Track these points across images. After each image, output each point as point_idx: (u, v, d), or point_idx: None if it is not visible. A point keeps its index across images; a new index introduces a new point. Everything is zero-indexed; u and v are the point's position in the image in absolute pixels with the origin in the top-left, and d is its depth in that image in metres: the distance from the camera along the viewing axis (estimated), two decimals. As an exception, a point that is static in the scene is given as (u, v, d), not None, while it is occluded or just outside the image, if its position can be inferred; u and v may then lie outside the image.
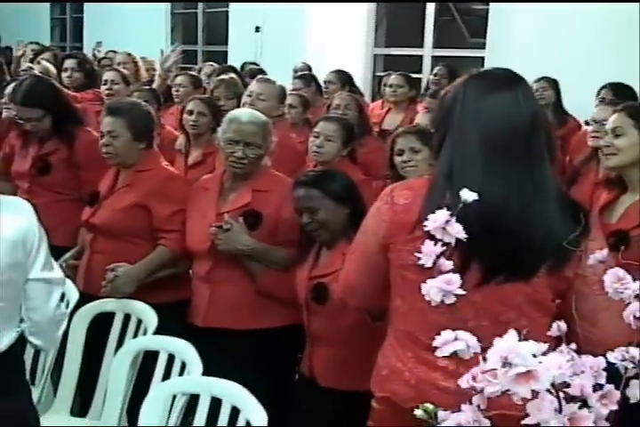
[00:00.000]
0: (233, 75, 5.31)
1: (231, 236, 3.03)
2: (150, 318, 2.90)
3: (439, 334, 1.85)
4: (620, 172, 2.93)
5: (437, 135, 2.00)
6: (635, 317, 1.31)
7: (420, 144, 3.46)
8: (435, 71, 6.31)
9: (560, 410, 0.87)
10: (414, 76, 6.56)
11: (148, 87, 5.18)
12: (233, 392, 2.28)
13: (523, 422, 0.93)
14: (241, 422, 2.20)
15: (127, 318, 3.05)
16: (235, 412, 2.26)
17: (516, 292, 1.85)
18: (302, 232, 2.96)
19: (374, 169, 4.14)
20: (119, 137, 3.28)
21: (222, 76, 5.18)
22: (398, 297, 1.98)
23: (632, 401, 1.12)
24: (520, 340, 0.98)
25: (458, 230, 1.32)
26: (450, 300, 1.29)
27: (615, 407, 1.09)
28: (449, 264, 1.31)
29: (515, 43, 6.34)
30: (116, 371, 2.68)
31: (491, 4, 6.67)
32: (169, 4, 10.73)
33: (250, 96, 4.41)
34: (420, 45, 7.50)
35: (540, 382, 0.85)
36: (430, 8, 7.40)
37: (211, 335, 3.02)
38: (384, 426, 2.02)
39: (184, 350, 2.60)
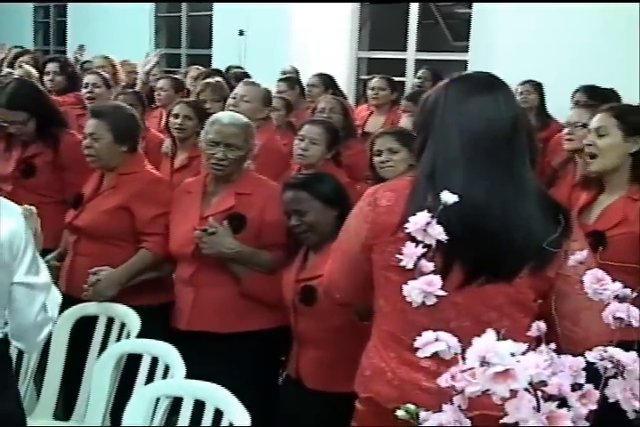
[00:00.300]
0: (219, 78, 5.31)
1: (216, 239, 3.03)
2: (133, 321, 2.89)
3: (421, 334, 1.87)
4: (601, 175, 2.95)
5: (419, 137, 2.01)
6: (614, 317, 1.31)
7: (398, 145, 3.49)
8: (418, 74, 6.34)
9: (538, 409, 0.88)
10: (398, 79, 6.58)
11: (132, 90, 5.17)
12: (216, 395, 2.28)
13: (502, 421, 0.93)
14: (224, 424, 2.20)
15: (110, 321, 3.05)
16: (218, 414, 2.26)
17: (498, 293, 1.86)
18: (290, 235, 2.96)
19: (358, 171, 4.16)
20: (100, 139, 3.29)
21: (208, 80, 5.19)
22: (382, 297, 1.99)
23: (611, 400, 1.13)
24: (499, 339, 0.99)
25: (438, 232, 1.32)
26: (431, 301, 1.30)
27: (594, 407, 1.10)
28: (430, 266, 1.32)
29: (498, 46, 6.36)
30: (100, 374, 2.67)
31: (474, 6, 6.68)
32: (153, 8, 10.71)
33: (234, 98, 4.43)
34: (404, 49, 7.51)
35: (517, 381, 0.86)
36: (413, 11, 7.42)
37: (194, 339, 3.02)
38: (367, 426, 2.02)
39: (167, 353, 2.60)
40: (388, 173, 3.55)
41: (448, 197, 1.34)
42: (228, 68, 7.74)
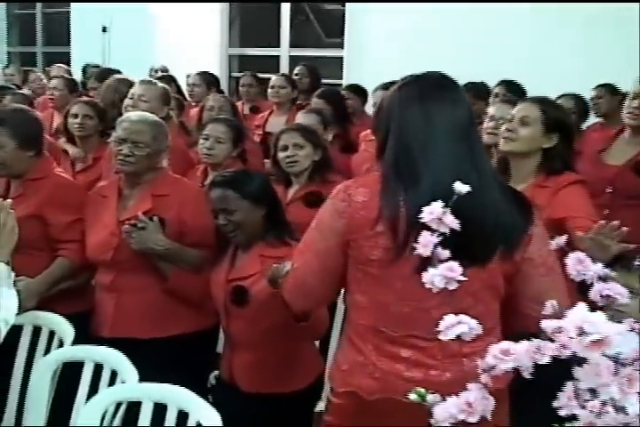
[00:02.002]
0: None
1: (145, 234, 2.99)
2: (66, 329, 2.76)
3: (402, 324, 1.94)
4: (511, 159, 3.01)
5: (378, 137, 2.07)
6: (601, 295, 1.40)
7: (303, 140, 3.61)
8: (295, 71, 6.37)
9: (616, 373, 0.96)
10: (272, 76, 6.59)
11: (19, 91, 5.02)
12: (178, 396, 2.23)
13: (578, 386, 1.00)
14: (191, 423, 2.16)
15: (36, 330, 2.90)
16: (181, 416, 2.21)
17: (474, 279, 1.91)
18: (217, 234, 2.94)
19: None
20: (4, 147, 3.15)
21: (117, 76, 5.08)
22: (358, 292, 2.02)
23: None
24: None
25: (451, 220, 1.39)
26: (452, 286, 1.36)
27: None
28: (446, 253, 1.38)
29: (372, 41, 6.47)
30: (38, 384, 2.52)
31: (347, 3, 6.78)
32: (4, 5, 10.30)
33: (132, 98, 4.34)
34: (276, 45, 7.55)
35: (611, 347, 0.94)
36: (285, 8, 7.48)
37: (118, 346, 2.95)
38: (346, 420, 2.05)
39: (111, 357, 2.50)
40: (294, 168, 3.62)
41: (460, 188, 1.42)
42: (86, 67, 7.60)
